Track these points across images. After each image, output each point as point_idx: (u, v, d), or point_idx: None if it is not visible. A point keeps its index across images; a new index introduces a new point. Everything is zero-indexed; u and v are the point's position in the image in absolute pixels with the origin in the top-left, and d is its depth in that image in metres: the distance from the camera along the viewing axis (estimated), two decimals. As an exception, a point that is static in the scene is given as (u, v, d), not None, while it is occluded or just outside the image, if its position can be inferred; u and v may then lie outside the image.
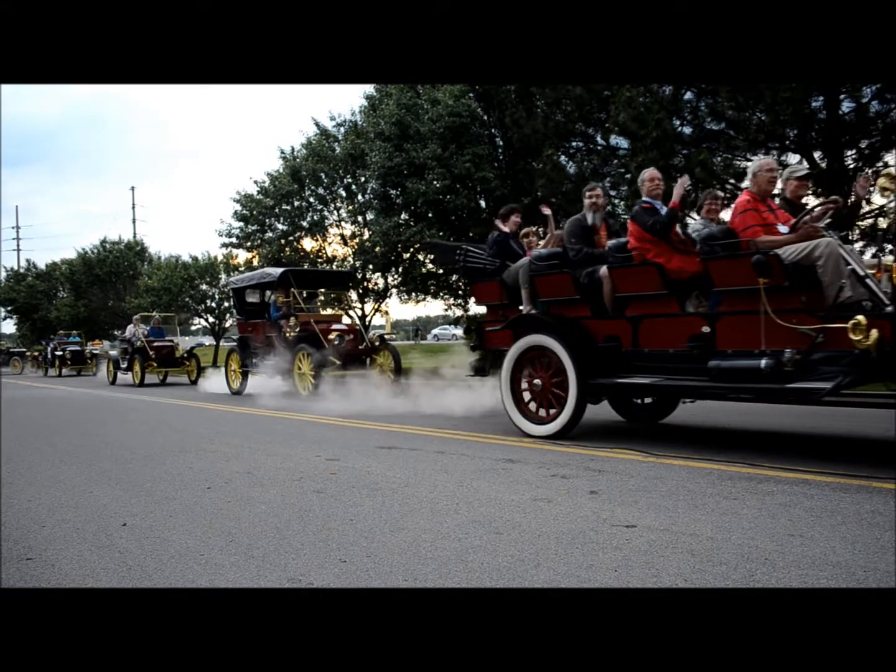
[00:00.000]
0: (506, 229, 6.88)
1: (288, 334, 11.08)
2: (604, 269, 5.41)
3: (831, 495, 3.44)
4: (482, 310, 18.21)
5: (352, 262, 19.93)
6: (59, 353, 24.33)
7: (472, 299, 6.89)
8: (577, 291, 5.63)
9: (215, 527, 3.23)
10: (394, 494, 3.78)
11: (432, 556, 2.69)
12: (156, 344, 16.64)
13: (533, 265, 6.03)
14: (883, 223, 11.36)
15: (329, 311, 15.05)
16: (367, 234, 19.40)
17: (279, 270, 11.81)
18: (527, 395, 5.83)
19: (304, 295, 12.35)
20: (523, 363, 5.81)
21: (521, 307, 6.20)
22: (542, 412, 5.71)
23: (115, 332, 37.12)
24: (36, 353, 29.64)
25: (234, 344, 13.09)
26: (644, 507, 3.32)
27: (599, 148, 13.86)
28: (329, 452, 5.27)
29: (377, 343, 11.34)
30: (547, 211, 7.06)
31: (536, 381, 5.62)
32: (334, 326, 11.40)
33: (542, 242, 6.99)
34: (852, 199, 5.41)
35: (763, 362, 4.24)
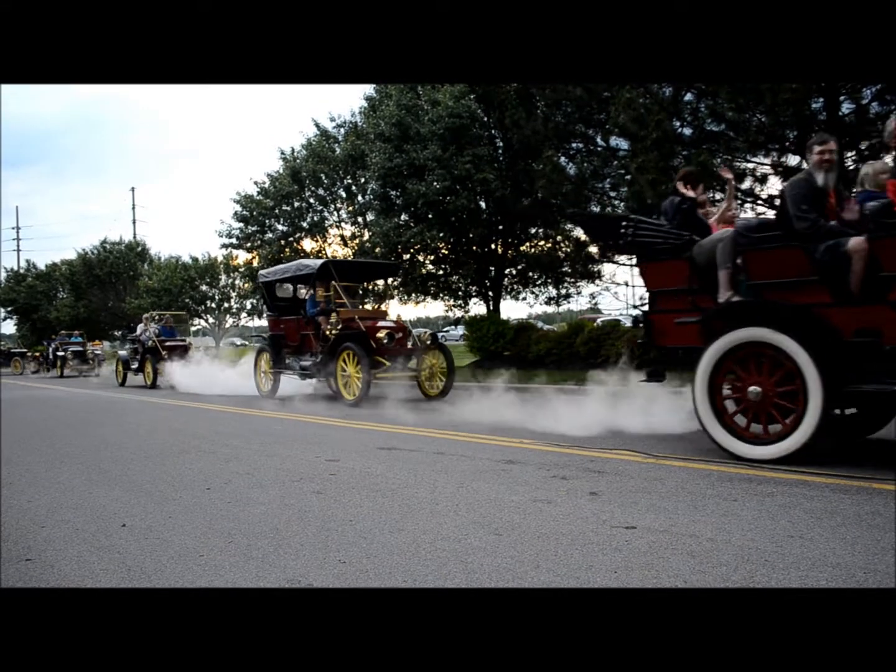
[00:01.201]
0: (691, 195, 5.45)
1: (328, 332, 9.87)
2: (856, 242, 4.18)
3: (831, 496, 3.44)
4: (482, 310, 17.99)
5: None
6: (60, 353, 24.25)
7: (641, 281, 5.40)
8: (812, 271, 4.38)
9: (215, 527, 3.23)
10: (393, 495, 3.78)
11: (432, 556, 2.69)
12: (168, 343, 15.71)
13: (740, 238, 4.74)
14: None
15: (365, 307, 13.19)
16: (367, 235, 19.42)
17: (318, 262, 10.58)
18: (729, 405, 4.66)
19: (346, 289, 11.06)
20: (728, 365, 4.61)
21: (718, 294, 4.86)
22: (756, 428, 4.53)
23: (116, 333, 37.16)
24: (37, 354, 29.50)
25: (264, 343, 11.72)
26: (644, 509, 3.32)
27: (599, 149, 13.87)
28: (329, 453, 5.27)
29: (429, 342, 10.11)
30: (728, 175, 5.92)
31: (753, 388, 4.41)
32: (381, 323, 10.03)
33: (714, 213, 5.75)
34: None
35: None
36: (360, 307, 11.60)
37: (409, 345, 9.99)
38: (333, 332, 9.78)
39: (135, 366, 16.09)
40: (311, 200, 21.21)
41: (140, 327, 16.87)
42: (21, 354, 30.40)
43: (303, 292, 11.51)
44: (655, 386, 5.66)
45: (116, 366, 17.25)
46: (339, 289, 10.40)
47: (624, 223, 5.40)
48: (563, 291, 17.88)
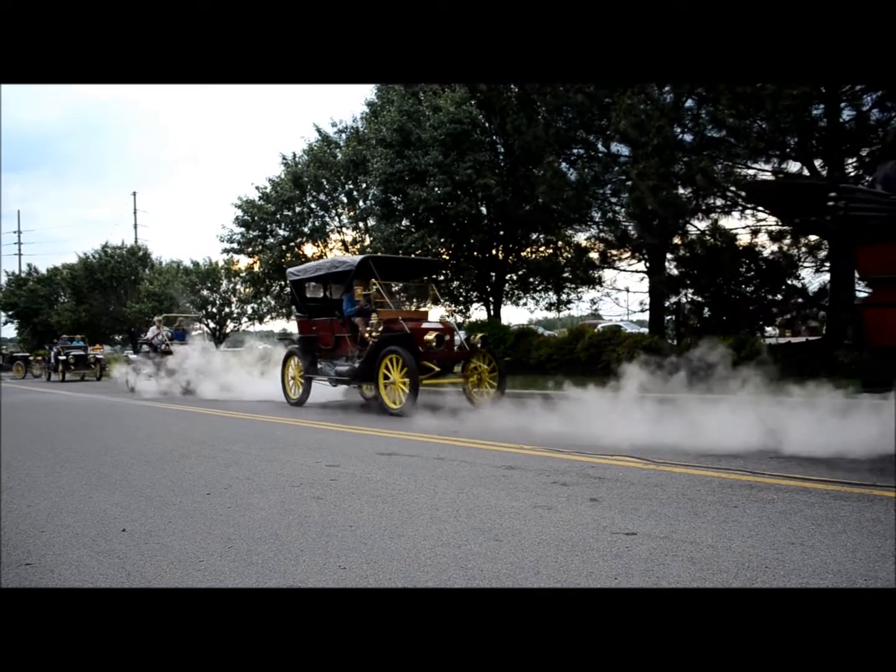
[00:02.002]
0: None
1: (368, 334, 9.04)
2: None
3: (832, 503, 3.43)
4: (482, 315, 17.95)
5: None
6: (62, 357, 24.20)
7: (859, 264, 4.29)
8: None
9: (215, 532, 3.23)
10: (393, 501, 3.77)
11: (432, 562, 2.69)
12: (181, 349, 15.15)
13: None
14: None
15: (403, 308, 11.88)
16: (368, 240, 19.47)
17: (357, 258, 9.68)
18: None
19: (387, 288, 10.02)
20: None
21: None
22: None
23: (117, 337, 37.16)
24: (39, 358, 29.37)
25: (294, 346, 10.94)
26: (644, 515, 3.31)
27: (600, 155, 13.91)
28: (329, 458, 5.27)
29: (478, 345, 9.19)
30: None
31: None
32: (425, 325, 9.15)
33: None
34: None
35: None
36: (400, 307, 10.51)
37: (456, 348, 9.21)
38: (374, 334, 8.94)
39: (146, 370, 15.54)
40: (313, 205, 21.27)
41: (152, 330, 16.30)
42: (24, 359, 30.17)
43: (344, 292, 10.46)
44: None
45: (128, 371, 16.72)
46: (381, 287, 9.41)
47: (834, 193, 4.29)
48: (564, 297, 17.92)
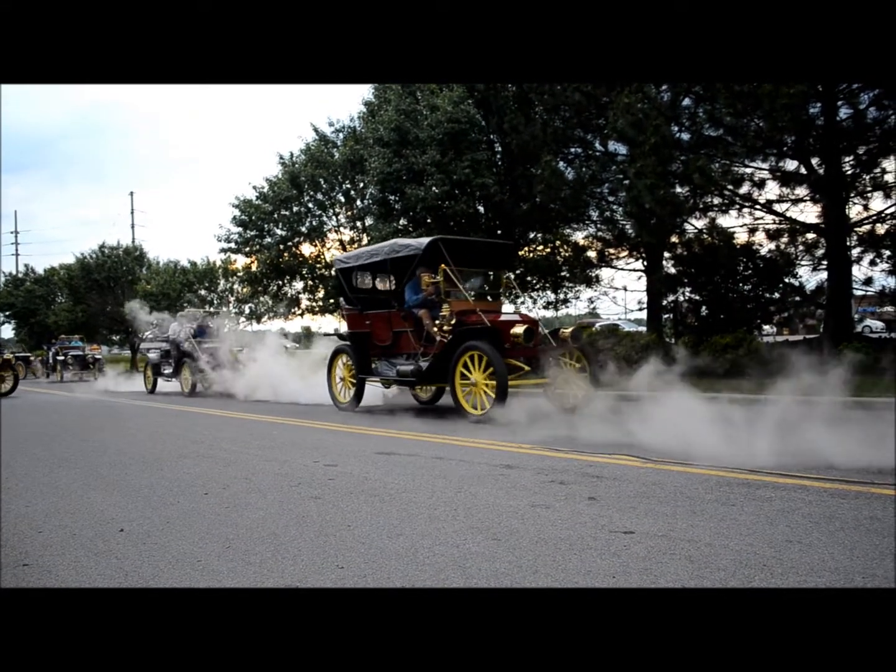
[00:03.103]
0: None
1: (437, 329, 7.88)
2: None
3: (830, 501, 3.44)
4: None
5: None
6: (60, 357, 24.08)
7: None
8: None
9: (213, 533, 3.22)
10: (392, 500, 3.77)
11: (430, 562, 2.68)
12: (207, 345, 14.08)
13: None
14: (881, 229, 11.41)
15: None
16: (365, 240, 19.45)
17: (425, 240, 8.33)
18: None
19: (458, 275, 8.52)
20: None
21: None
22: None
23: (114, 337, 37.08)
24: (39, 358, 29.08)
25: (343, 344, 9.58)
26: (642, 514, 3.31)
27: (598, 154, 13.92)
28: (327, 458, 5.26)
29: (570, 340, 7.87)
30: None
31: None
32: (505, 317, 8.07)
33: None
34: None
35: None
36: (470, 298, 8.85)
37: (540, 345, 7.89)
38: (445, 328, 7.78)
39: (167, 370, 14.59)
40: (310, 205, 21.25)
41: (174, 327, 15.10)
42: (25, 359, 29.50)
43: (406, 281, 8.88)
44: None
45: (145, 371, 15.67)
46: (454, 274, 8.14)
47: None
48: (562, 296, 17.92)
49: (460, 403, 7.49)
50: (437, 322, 7.93)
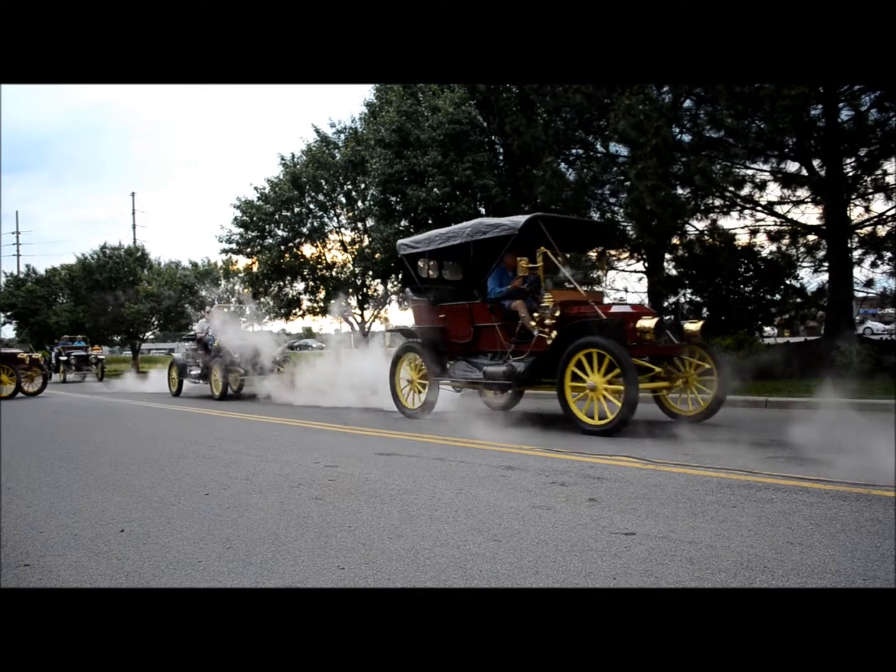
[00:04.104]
0: None
1: (536, 323, 6.65)
2: None
3: (830, 503, 3.44)
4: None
5: (351, 268, 19.97)
6: (63, 358, 24.03)
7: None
8: None
9: (213, 533, 3.22)
10: (392, 501, 3.77)
11: (431, 563, 2.68)
12: (238, 343, 12.61)
13: None
14: (882, 231, 11.40)
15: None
16: (366, 241, 19.45)
17: (521, 218, 6.95)
18: None
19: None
20: None
21: None
22: None
23: (115, 338, 37.03)
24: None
25: (412, 341, 8.29)
26: (643, 515, 3.31)
27: (599, 155, 13.92)
28: (328, 459, 5.26)
29: (698, 336, 6.69)
30: None
31: None
32: (619, 309, 6.77)
33: None
34: None
35: None
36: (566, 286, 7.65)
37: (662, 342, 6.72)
38: (547, 322, 6.56)
39: (195, 371, 13.34)
40: (311, 206, 21.25)
41: (201, 324, 13.83)
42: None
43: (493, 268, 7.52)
44: None
45: (170, 372, 14.37)
46: (556, 258, 6.95)
47: None
48: (563, 297, 17.88)
49: (572, 411, 6.30)
50: (535, 315, 6.69)
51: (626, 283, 17.42)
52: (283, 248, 21.09)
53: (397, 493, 3.99)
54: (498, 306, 7.22)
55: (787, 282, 12.32)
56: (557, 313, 6.54)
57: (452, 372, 7.68)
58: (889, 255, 11.28)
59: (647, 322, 6.34)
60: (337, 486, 4.25)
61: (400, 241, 8.80)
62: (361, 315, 20.58)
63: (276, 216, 21.05)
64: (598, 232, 8.68)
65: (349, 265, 20.45)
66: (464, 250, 7.72)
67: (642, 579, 2.43)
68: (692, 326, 6.74)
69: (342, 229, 21.51)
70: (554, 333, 6.50)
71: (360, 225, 20.81)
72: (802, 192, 11.80)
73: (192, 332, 14.33)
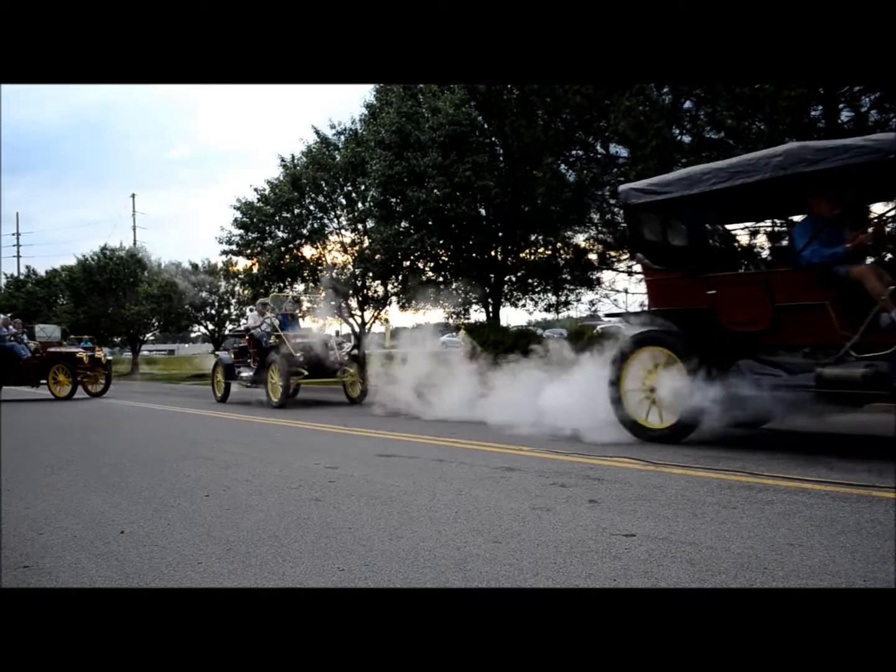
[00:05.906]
0: None
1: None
2: None
3: (831, 504, 3.43)
4: (482, 317, 17.94)
5: (352, 269, 19.96)
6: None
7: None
8: None
9: (213, 534, 3.22)
10: (392, 503, 3.77)
11: (431, 564, 2.68)
12: (300, 341, 10.80)
13: None
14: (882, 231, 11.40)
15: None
16: (366, 242, 19.44)
17: (888, 137, 4.59)
18: None
19: None
20: None
21: None
22: None
23: (116, 339, 37.07)
24: None
25: (654, 330, 5.87)
26: (643, 516, 3.31)
27: (599, 156, 13.91)
28: (328, 460, 5.26)
29: None
30: None
31: None
32: None
33: None
34: None
35: None
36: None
37: None
38: None
39: (245, 374, 11.47)
40: (311, 207, 21.23)
41: (252, 317, 11.93)
42: None
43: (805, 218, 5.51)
44: None
45: (214, 374, 12.54)
46: None
47: None
48: (563, 298, 17.90)
49: None
50: (892, 286, 4.55)
51: (625, 284, 17.42)
52: (283, 249, 21.08)
53: (397, 494, 3.99)
54: (831, 276, 4.87)
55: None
56: None
57: (748, 374, 5.13)
58: (889, 256, 11.28)
59: None
60: (337, 487, 4.25)
61: (627, 188, 6.11)
62: (361, 316, 20.57)
63: (276, 217, 21.03)
64: None
65: (349, 266, 20.43)
66: (752, 194, 5.33)
67: (642, 580, 2.43)
68: None
69: (342, 231, 21.50)
70: None
71: (360, 226, 20.80)
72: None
73: (240, 328, 12.64)
